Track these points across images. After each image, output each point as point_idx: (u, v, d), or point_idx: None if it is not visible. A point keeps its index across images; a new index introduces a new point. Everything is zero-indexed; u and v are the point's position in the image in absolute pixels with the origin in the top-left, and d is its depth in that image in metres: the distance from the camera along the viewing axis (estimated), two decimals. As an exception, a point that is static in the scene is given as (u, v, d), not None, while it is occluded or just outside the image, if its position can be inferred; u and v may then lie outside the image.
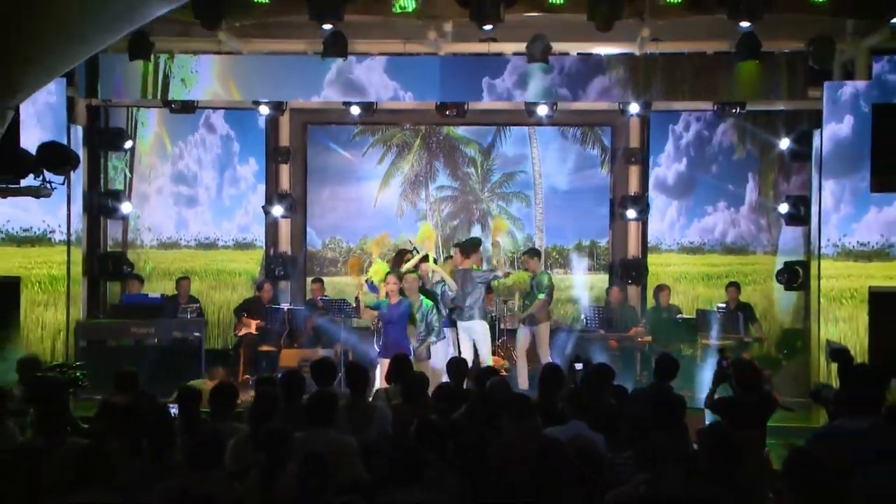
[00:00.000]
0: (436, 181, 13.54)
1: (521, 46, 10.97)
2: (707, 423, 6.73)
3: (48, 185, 7.49)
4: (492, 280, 10.59)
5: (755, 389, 6.41)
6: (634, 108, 12.37)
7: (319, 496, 4.57)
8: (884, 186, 11.01)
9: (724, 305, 11.96)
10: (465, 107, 12.39)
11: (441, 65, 11.84)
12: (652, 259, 13.03)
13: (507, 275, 11.02)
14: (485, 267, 11.03)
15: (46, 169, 7.39)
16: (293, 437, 5.27)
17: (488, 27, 9.92)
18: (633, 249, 13.19)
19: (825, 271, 11.23)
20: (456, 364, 7.64)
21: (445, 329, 10.20)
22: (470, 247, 10.62)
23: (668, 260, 13.03)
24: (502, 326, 12.11)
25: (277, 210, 13.02)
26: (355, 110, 12.42)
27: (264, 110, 12.62)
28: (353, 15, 10.18)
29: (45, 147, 7.53)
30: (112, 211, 12.62)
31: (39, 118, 11.24)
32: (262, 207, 13.10)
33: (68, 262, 11.62)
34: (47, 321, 11.54)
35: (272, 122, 13.28)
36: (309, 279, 13.14)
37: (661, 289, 12.32)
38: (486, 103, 12.33)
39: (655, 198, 13.02)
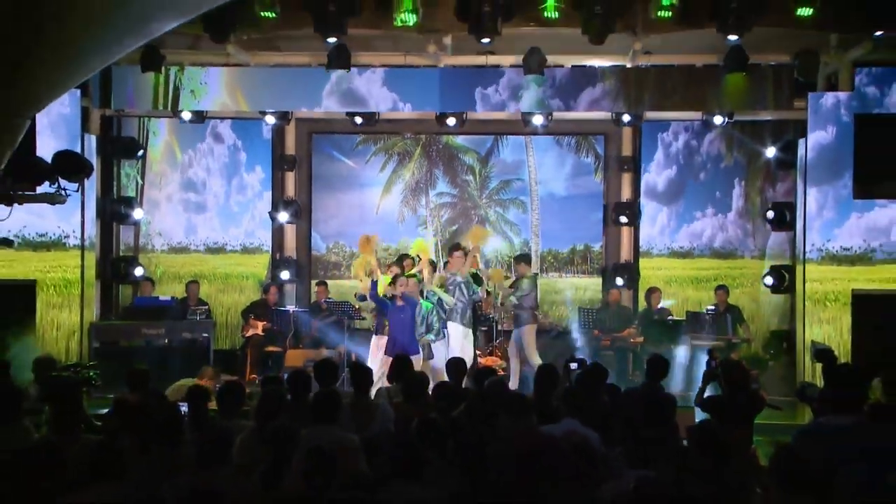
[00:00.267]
0: (436, 188, 13.55)
1: (518, 59, 10.98)
2: (697, 421, 6.73)
3: (63, 192, 7.46)
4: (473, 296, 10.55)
5: (743, 388, 6.41)
6: (627, 117, 12.39)
7: (323, 491, 4.56)
8: (866, 193, 11.06)
9: (713, 308, 11.96)
10: (464, 116, 12.40)
11: (438, 76, 11.82)
12: (644, 263, 13.03)
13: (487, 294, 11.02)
14: (481, 266, 11.18)
15: (61, 176, 7.37)
16: (299, 433, 5.26)
17: (486, 40, 9.92)
18: (625, 253, 13.20)
19: (810, 275, 11.24)
20: (455, 364, 7.64)
21: (445, 329, 10.24)
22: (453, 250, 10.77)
23: (659, 264, 13.02)
24: (500, 328, 12.09)
25: (283, 216, 13.04)
26: (358, 120, 12.44)
27: (270, 120, 12.63)
28: (356, 29, 10.17)
29: (59, 155, 7.50)
30: (124, 217, 12.61)
31: (54, 128, 11.26)
32: (269, 213, 13.12)
33: (82, 265, 11.62)
34: (62, 323, 11.54)
35: (278, 132, 13.30)
36: (313, 282, 13.16)
37: (652, 291, 12.33)
38: (484, 113, 12.34)
39: (647, 204, 13.03)
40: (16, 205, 7.25)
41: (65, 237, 11.59)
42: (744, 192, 12.94)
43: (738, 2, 9.31)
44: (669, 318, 12.00)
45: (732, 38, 9.91)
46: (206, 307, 12.36)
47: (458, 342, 10.30)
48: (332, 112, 12.34)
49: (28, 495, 4.42)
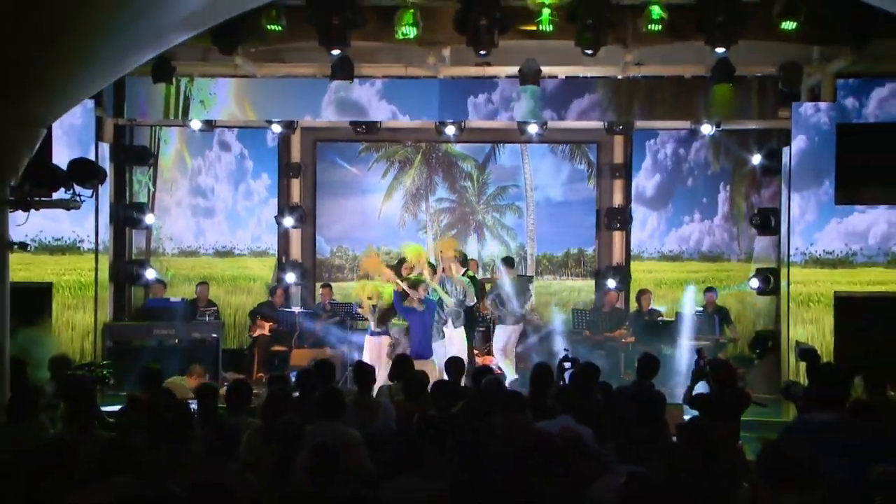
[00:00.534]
0: (435, 194, 13.55)
1: (514, 70, 10.99)
2: (685, 417, 6.73)
3: (78, 198, 7.46)
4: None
5: (730, 386, 6.40)
6: (618, 126, 12.40)
7: (327, 485, 4.56)
8: (847, 199, 11.07)
9: (701, 309, 11.95)
10: (463, 125, 12.40)
11: (435, 86, 11.79)
12: (635, 266, 13.02)
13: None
14: (481, 274, 11.35)
15: (76, 183, 7.37)
16: (304, 430, 5.26)
17: (484, 52, 9.92)
18: (617, 257, 13.21)
19: (794, 277, 11.24)
20: (454, 363, 7.63)
21: (445, 329, 10.23)
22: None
23: (649, 267, 13.03)
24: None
25: (289, 221, 13.03)
26: (361, 129, 12.44)
27: (277, 129, 12.61)
28: (359, 41, 10.18)
29: (74, 163, 7.51)
30: (136, 222, 12.60)
31: (69, 137, 11.26)
32: (275, 218, 13.10)
33: (96, 268, 11.63)
34: (77, 323, 11.54)
35: (284, 140, 13.29)
36: (318, 285, 13.14)
37: (643, 293, 12.33)
38: (482, 122, 12.33)
39: (637, 209, 13.02)
40: (33, 210, 7.25)
41: (79, 241, 11.59)
42: (729, 197, 12.96)
43: (724, 16, 9.31)
44: (659, 318, 12.00)
45: (719, 50, 9.92)
46: (215, 308, 12.35)
47: (456, 343, 10.27)
48: (335, 121, 12.33)
49: (44, 488, 4.41)
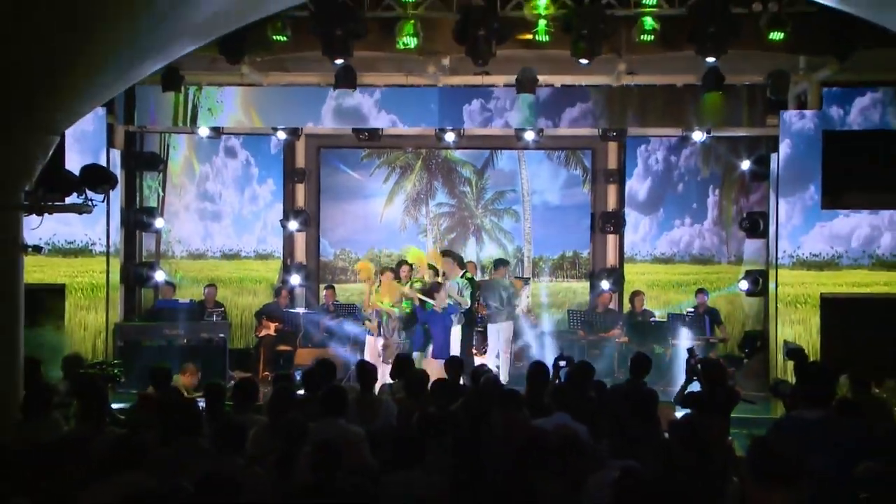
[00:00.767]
0: (435, 199, 13.55)
1: (511, 78, 11.00)
2: (677, 415, 6.73)
3: (90, 203, 7.46)
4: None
5: (720, 385, 6.40)
6: (612, 133, 12.42)
7: (331, 479, 4.56)
8: (833, 204, 11.09)
9: (692, 310, 11.96)
10: (462, 132, 12.41)
11: (433, 94, 11.83)
12: (628, 268, 13.03)
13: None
14: (479, 276, 11.32)
15: (88, 188, 7.37)
16: (308, 426, 5.26)
17: (482, 63, 9.93)
18: (611, 259, 13.21)
19: (782, 279, 11.25)
20: (453, 362, 7.63)
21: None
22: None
23: (642, 269, 13.03)
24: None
25: (293, 224, 13.05)
26: (363, 136, 12.45)
27: (282, 135, 12.63)
28: (362, 51, 10.20)
29: (87, 169, 7.50)
30: (146, 225, 12.60)
31: (81, 143, 11.26)
32: (280, 222, 13.12)
33: (107, 271, 11.63)
34: (89, 323, 11.54)
35: (289, 146, 13.30)
36: (322, 286, 13.13)
37: (636, 295, 12.32)
38: (481, 129, 12.34)
39: (630, 213, 13.03)
40: (46, 214, 7.25)
41: (91, 244, 11.60)
42: (718, 202, 12.98)
43: (715, 27, 9.34)
44: (652, 319, 12.00)
45: (710, 60, 9.94)
46: (222, 309, 12.36)
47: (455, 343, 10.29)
48: (338, 128, 12.35)
49: (58, 483, 4.42)
